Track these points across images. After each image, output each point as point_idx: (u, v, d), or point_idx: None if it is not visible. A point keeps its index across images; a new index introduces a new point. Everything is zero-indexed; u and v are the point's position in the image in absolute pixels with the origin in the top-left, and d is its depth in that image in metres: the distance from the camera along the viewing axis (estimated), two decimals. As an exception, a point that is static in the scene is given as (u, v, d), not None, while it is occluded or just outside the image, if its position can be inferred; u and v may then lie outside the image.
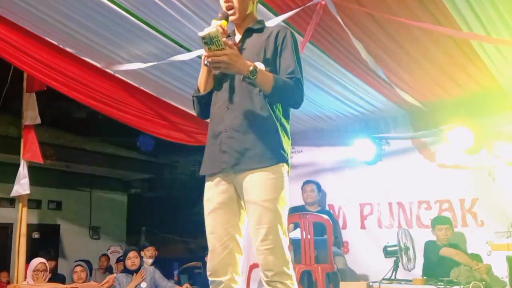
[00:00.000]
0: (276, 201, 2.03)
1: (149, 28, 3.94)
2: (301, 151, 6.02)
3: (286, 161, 2.11)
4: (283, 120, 2.17)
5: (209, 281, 2.13)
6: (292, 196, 5.20)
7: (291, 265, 2.04)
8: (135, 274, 5.14)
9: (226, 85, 2.18)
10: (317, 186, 5.46)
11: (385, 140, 5.47)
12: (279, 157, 2.08)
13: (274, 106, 2.13)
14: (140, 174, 10.37)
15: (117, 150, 9.83)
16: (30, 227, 8.83)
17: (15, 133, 6.73)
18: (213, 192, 2.15)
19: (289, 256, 2.05)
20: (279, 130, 2.12)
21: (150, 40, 4.10)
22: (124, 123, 5.00)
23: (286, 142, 2.14)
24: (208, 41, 1.88)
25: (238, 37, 2.29)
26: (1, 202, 8.07)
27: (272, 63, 2.14)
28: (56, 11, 3.85)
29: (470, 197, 4.93)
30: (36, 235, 8.91)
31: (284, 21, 3.44)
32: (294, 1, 3.31)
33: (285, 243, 2.04)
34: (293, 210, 5.11)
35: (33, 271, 5.12)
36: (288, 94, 2.09)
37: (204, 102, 2.27)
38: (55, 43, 4.32)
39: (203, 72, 2.24)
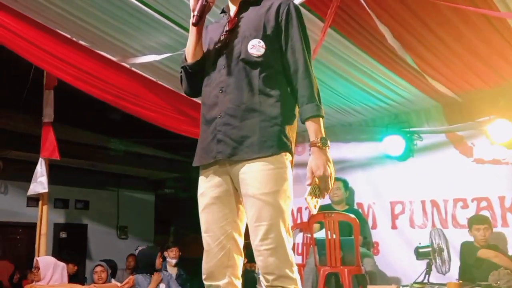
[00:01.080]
0: (277, 195, 1.77)
1: (164, 19, 3.79)
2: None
3: (289, 150, 1.85)
4: (288, 103, 1.89)
5: (205, 286, 1.89)
6: None
7: (295, 268, 1.78)
8: (153, 275, 5.00)
9: (220, 65, 1.92)
10: (343, 184, 5.19)
11: (417, 134, 5.18)
12: (281, 145, 1.81)
13: (277, 87, 1.87)
14: (168, 173, 10.29)
15: (144, 149, 9.78)
16: (57, 227, 8.91)
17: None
18: (207, 186, 1.91)
19: (293, 257, 1.79)
20: (283, 115, 1.84)
21: (165, 31, 3.95)
22: (146, 121, 4.89)
23: (290, 129, 1.87)
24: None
25: (233, 11, 2.03)
26: (28, 201, 8.12)
27: (273, 41, 1.89)
28: (69, 3, 3.76)
29: (510, 194, 4.59)
30: (63, 234, 8.95)
31: (301, 4, 3.20)
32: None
33: (288, 242, 1.78)
34: (319, 209, 4.90)
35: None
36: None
37: (192, 74, 2.01)
38: (69, 36, 4.21)
39: (190, 36, 1.98)
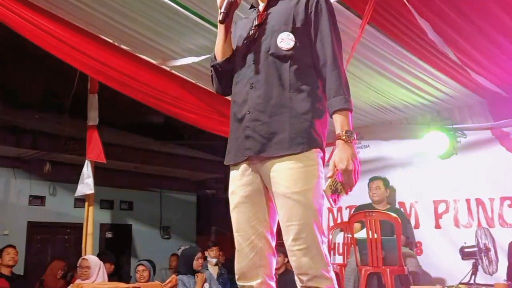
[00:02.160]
0: (309, 193, 1.72)
1: (202, 21, 3.83)
2: (368, 145, 5.69)
3: (320, 146, 1.81)
4: (318, 97, 1.85)
5: (238, 286, 1.88)
6: (360, 194, 5.02)
7: (330, 267, 1.74)
8: (197, 275, 5.07)
9: (249, 60, 1.90)
10: (384, 183, 5.10)
11: (461, 131, 5.01)
12: (312, 141, 1.77)
13: (307, 81, 1.84)
14: (210, 174, 10.38)
15: (186, 150, 9.91)
16: (103, 227, 9.14)
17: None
18: (237, 184, 1.89)
19: (327, 257, 1.75)
20: (313, 110, 1.81)
21: (203, 32, 3.99)
22: (187, 122, 4.96)
23: (321, 124, 1.83)
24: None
25: (262, 6, 2.02)
26: (76, 202, 8.37)
27: (302, 34, 1.86)
28: (111, 9, 3.85)
29: (560, 191, 4.38)
30: (109, 234, 9.18)
31: (338, 1, 3.18)
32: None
33: (322, 242, 1.74)
34: (360, 209, 4.86)
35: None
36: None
37: (222, 72, 2.00)
38: (110, 41, 4.33)
39: (219, 34, 1.98)
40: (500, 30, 3.49)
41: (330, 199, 1.73)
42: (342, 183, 1.72)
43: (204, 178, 10.62)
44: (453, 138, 5.01)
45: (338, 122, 1.77)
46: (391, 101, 4.91)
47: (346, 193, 1.74)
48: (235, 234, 1.89)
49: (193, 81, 4.88)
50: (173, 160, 9.58)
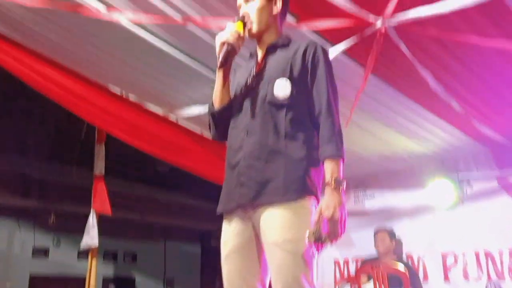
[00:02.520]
0: (300, 243, 1.66)
1: (209, 71, 3.90)
2: (373, 195, 5.65)
3: (315, 194, 1.78)
4: (314, 146, 1.85)
5: None
6: (366, 245, 4.94)
7: None
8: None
9: (246, 107, 1.92)
10: (389, 234, 5.02)
11: (466, 181, 4.99)
12: (306, 189, 1.75)
13: (303, 129, 1.84)
14: (214, 224, 10.27)
15: (191, 200, 9.87)
16: (106, 282, 8.96)
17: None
18: (229, 234, 1.85)
19: None
20: (308, 158, 1.80)
21: (210, 83, 4.04)
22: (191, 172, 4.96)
23: (316, 173, 1.82)
24: None
25: (260, 54, 2.07)
26: (79, 254, 8.26)
27: (299, 83, 1.89)
28: (119, 60, 3.93)
29: None
30: (112, 288, 9.00)
31: (342, 52, 3.26)
32: (350, 30, 3.11)
33: None
34: (367, 262, 4.76)
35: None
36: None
37: (219, 119, 2.01)
38: (119, 91, 4.40)
39: (217, 81, 2.01)
40: (503, 81, 3.54)
41: (313, 247, 1.68)
42: (327, 232, 1.67)
43: (209, 229, 10.51)
44: (459, 187, 4.97)
45: (329, 169, 1.75)
46: (396, 150, 4.91)
47: (331, 243, 1.68)
48: (226, 286, 1.83)
49: (199, 131, 4.91)
50: (178, 209, 9.53)
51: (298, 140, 1.82)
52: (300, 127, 1.85)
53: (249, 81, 1.98)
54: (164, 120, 4.65)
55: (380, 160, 5.20)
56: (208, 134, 4.91)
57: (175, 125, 4.75)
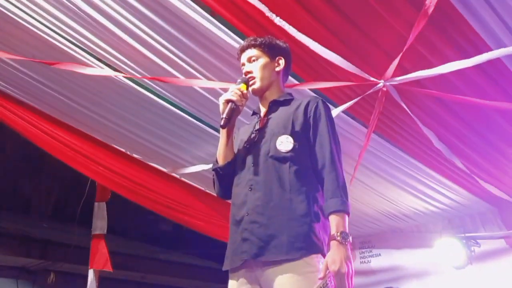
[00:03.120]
0: None
1: (212, 130, 3.96)
2: (380, 254, 5.55)
3: (321, 251, 1.75)
4: (318, 201, 1.83)
5: None
6: None
7: None
8: None
9: (249, 163, 1.92)
10: (398, 294, 4.91)
11: (474, 240, 4.91)
12: (311, 246, 1.72)
13: (306, 183, 1.83)
14: (218, 285, 10.03)
15: (194, 260, 9.70)
16: None
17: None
18: None
19: None
20: (312, 213, 1.78)
21: (213, 141, 4.09)
22: (195, 230, 4.91)
23: (321, 228, 1.79)
24: None
25: (263, 112, 2.10)
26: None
27: (301, 137, 1.90)
28: (123, 119, 3.98)
29: None
30: None
31: (344, 112, 3.31)
32: (353, 90, 3.17)
33: None
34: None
35: None
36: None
37: (223, 175, 2.01)
38: (123, 150, 4.44)
39: (221, 139, 2.02)
40: (504, 139, 3.56)
41: None
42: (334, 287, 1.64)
43: (211, 289, 10.26)
44: (466, 247, 4.89)
45: (334, 223, 1.73)
46: (401, 208, 4.88)
47: None
48: None
49: (203, 188, 4.91)
50: (180, 269, 9.34)
51: (302, 194, 1.81)
52: (304, 180, 1.84)
53: (252, 137, 2.00)
54: (167, 177, 4.65)
55: (385, 219, 5.15)
56: (211, 191, 4.92)
57: (179, 182, 4.75)
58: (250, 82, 2.04)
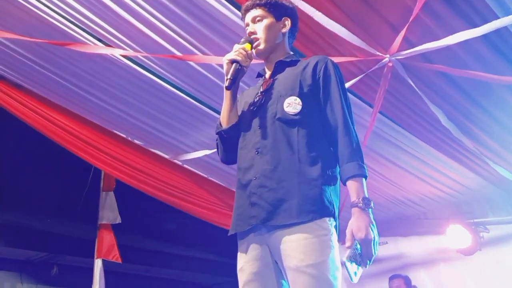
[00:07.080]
0: (324, 266, 1.57)
1: (214, 113, 3.87)
2: (386, 242, 5.45)
3: (333, 215, 1.68)
4: (329, 163, 1.75)
5: None
6: None
7: None
8: None
9: (255, 126, 1.83)
10: (405, 281, 4.80)
11: (483, 226, 4.82)
12: (323, 209, 1.65)
13: (317, 146, 1.75)
14: (223, 278, 9.99)
15: (199, 253, 9.66)
16: None
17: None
18: (245, 260, 1.73)
19: None
20: (323, 176, 1.70)
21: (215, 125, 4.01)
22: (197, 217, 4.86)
23: (333, 191, 1.72)
24: None
25: (268, 73, 2.00)
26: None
27: (310, 98, 1.81)
28: (124, 103, 3.92)
29: None
30: None
31: (348, 90, 3.21)
32: (357, 66, 3.08)
33: None
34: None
35: None
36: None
37: (227, 139, 1.92)
38: (124, 136, 4.37)
39: (225, 101, 1.92)
40: (514, 118, 3.47)
41: (351, 271, 1.58)
42: (361, 254, 1.58)
43: (217, 282, 10.22)
44: (475, 233, 4.80)
45: (354, 189, 1.66)
46: (408, 194, 4.79)
47: (365, 266, 1.59)
48: None
49: (205, 175, 4.84)
50: (185, 263, 9.30)
51: (313, 157, 1.73)
52: (314, 144, 1.76)
53: (257, 99, 1.91)
54: (169, 163, 4.60)
55: (391, 205, 5.06)
56: (213, 178, 4.85)
57: (180, 168, 4.69)
58: (254, 44, 1.93)
